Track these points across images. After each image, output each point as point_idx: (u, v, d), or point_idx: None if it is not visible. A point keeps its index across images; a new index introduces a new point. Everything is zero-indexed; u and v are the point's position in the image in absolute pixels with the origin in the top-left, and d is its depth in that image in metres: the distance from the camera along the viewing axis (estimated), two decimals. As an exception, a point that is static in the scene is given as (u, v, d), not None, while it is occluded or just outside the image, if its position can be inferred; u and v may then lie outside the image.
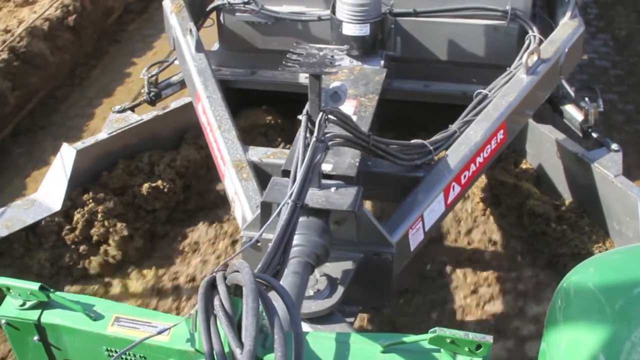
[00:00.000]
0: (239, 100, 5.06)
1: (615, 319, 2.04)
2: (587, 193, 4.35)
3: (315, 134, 2.90)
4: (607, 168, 4.20)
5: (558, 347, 2.15)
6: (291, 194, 2.71)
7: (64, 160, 4.47)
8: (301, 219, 2.92)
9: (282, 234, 2.56)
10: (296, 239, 2.83)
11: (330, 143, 3.03)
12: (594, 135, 4.52)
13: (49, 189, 4.47)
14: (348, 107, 3.79)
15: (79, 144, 4.53)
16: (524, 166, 4.85)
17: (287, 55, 3.03)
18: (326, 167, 3.24)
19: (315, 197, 3.03)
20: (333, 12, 4.44)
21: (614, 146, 4.33)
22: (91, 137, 4.71)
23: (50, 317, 2.40)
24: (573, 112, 4.69)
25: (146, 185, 4.67)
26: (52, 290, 2.39)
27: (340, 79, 4.13)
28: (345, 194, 3.06)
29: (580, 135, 4.61)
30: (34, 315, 2.40)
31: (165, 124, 4.97)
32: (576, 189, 4.50)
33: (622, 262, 2.35)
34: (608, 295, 2.12)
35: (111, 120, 4.80)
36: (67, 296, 2.42)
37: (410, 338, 2.13)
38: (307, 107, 3.01)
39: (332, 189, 3.09)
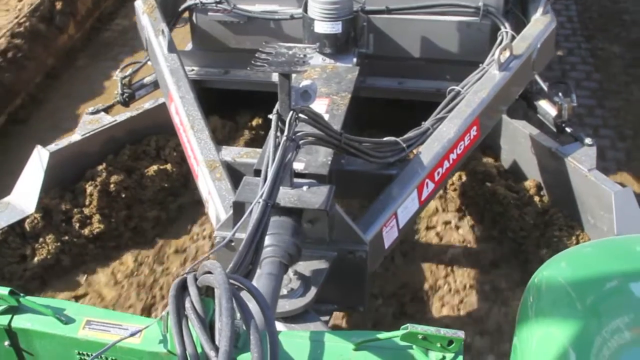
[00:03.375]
0: (214, 100, 5.05)
1: (586, 314, 2.03)
2: (561, 187, 4.36)
3: (285, 133, 2.89)
4: (581, 162, 4.21)
5: (529, 342, 2.14)
6: (262, 193, 2.70)
7: (37, 163, 4.43)
8: (273, 218, 2.92)
9: (253, 234, 2.55)
10: (269, 239, 2.83)
11: (301, 142, 3.02)
12: (568, 130, 4.53)
13: (22, 192, 4.44)
14: (320, 106, 3.78)
15: (52, 146, 4.49)
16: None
17: (256, 55, 3.02)
18: (298, 166, 3.24)
19: (287, 196, 3.02)
20: (305, 10, 4.43)
21: (588, 140, 4.34)
22: (64, 139, 4.67)
23: (20, 321, 2.37)
24: (547, 107, 4.69)
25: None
26: (22, 294, 2.37)
27: (312, 77, 4.13)
28: (317, 193, 3.06)
29: (554, 130, 4.63)
30: (4, 320, 2.37)
31: (140, 124, 4.95)
32: (551, 183, 4.51)
33: (593, 256, 2.34)
34: (579, 290, 2.11)
35: (84, 122, 4.75)
36: (37, 300, 2.40)
37: (382, 335, 2.13)
38: (277, 106, 3.00)
39: (304, 188, 3.08)
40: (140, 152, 4.91)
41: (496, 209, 4.50)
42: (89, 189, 4.57)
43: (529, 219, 4.36)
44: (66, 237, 4.46)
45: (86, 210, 4.54)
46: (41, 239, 4.40)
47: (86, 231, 4.52)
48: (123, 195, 4.66)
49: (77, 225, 4.49)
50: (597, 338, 1.95)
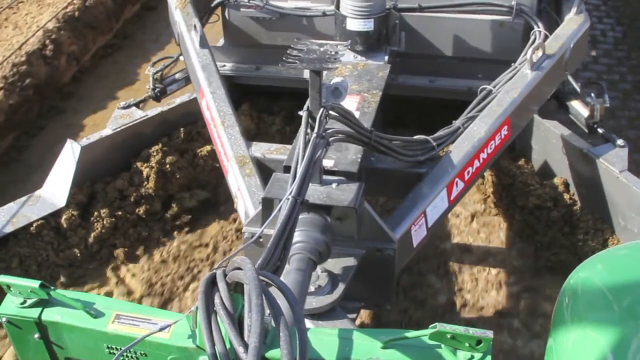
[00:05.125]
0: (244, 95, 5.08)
1: (623, 317, 2.03)
2: (592, 189, 4.33)
3: (315, 130, 2.89)
4: (612, 164, 4.18)
5: (565, 344, 2.14)
6: (291, 190, 2.70)
7: (68, 157, 4.46)
8: (303, 215, 2.92)
9: (282, 230, 2.55)
10: (298, 235, 2.83)
11: (331, 139, 3.02)
12: (600, 130, 4.50)
13: (53, 186, 4.47)
14: (351, 103, 3.79)
15: (84, 140, 4.53)
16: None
17: (288, 51, 3.02)
18: (328, 163, 3.24)
19: (316, 193, 3.02)
20: (337, 7, 4.43)
21: (620, 142, 4.30)
22: (96, 133, 4.70)
23: (50, 314, 2.40)
24: (579, 108, 4.67)
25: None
26: (52, 287, 2.40)
27: (343, 74, 4.13)
28: (347, 190, 3.06)
29: (586, 131, 4.59)
30: (34, 313, 2.41)
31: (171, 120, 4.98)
32: (581, 185, 4.47)
33: (629, 258, 2.32)
34: (616, 292, 2.10)
35: (116, 117, 4.79)
36: (67, 294, 2.43)
37: (411, 333, 2.13)
38: (307, 103, 3.00)
39: (334, 185, 3.08)
40: (195, 134, 4.99)
41: None
42: (145, 170, 4.71)
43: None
44: (119, 213, 4.60)
45: (141, 189, 4.69)
46: (96, 213, 4.53)
47: (141, 210, 4.66)
48: (177, 176, 4.79)
49: (131, 202, 4.66)
50: (635, 340, 1.95)
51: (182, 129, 4.94)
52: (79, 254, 4.43)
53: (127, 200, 4.66)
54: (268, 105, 5.42)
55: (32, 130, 5.92)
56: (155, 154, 4.78)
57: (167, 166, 4.75)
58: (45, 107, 6.18)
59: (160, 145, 4.82)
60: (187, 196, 4.84)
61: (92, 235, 4.48)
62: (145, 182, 4.70)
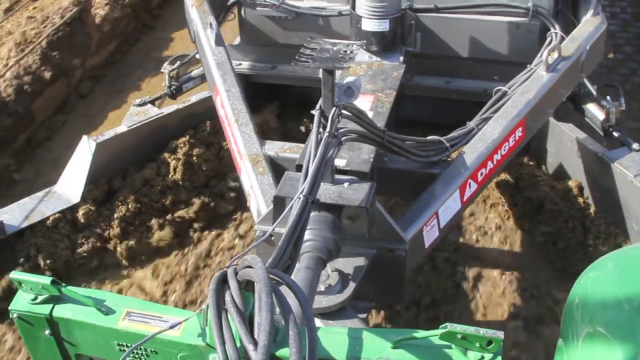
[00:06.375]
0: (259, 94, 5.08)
1: (634, 316, 2.02)
2: (606, 193, 4.31)
3: (327, 129, 2.89)
4: (627, 168, 4.15)
5: (575, 344, 2.13)
6: (303, 189, 2.70)
7: (84, 152, 4.49)
8: (313, 214, 2.92)
9: (293, 229, 2.55)
10: (308, 234, 2.83)
11: (343, 138, 3.01)
12: (615, 134, 4.47)
13: (68, 181, 4.50)
14: (365, 103, 3.78)
15: (99, 137, 4.54)
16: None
17: (301, 50, 3.02)
18: (340, 163, 3.23)
19: (327, 192, 3.02)
20: (353, 7, 4.43)
21: (635, 146, 4.28)
22: (111, 130, 4.72)
23: (61, 311, 2.41)
24: (594, 111, 4.65)
25: None
26: (63, 284, 2.41)
27: (358, 74, 4.13)
28: (358, 190, 3.05)
29: (602, 134, 4.57)
30: (45, 309, 2.42)
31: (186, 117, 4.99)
32: (596, 188, 4.46)
33: (640, 258, 2.32)
34: (626, 292, 2.09)
35: (131, 114, 4.81)
36: (78, 290, 2.44)
37: (421, 333, 2.13)
38: (320, 102, 3.00)
39: (345, 185, 3.08)
40: (220, 127, 4.96)
41: None
42: (172, 162, 4.75)
43: None
44: (145, 199, 4.65)
45: (168, 180, 4.75)
46: (121, 197, 4.59)
47: (167, 201, 4.71)
48: (204, 168, 4.84)
49: (157, 190, 4.71)
50: (646, 340, 1.94)
51: (207, 122, 4.97)
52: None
53: (153, 189, 4.71)
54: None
55: (130, 40, 7.27)
56: (182, 145, 4.82)
57: (194, 158, 4.80)
58: (139, 24, 7.52)
59: (187, 137, 4.86)
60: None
61: (115, 217, 4.54)
62: (172, 173, 4.75)
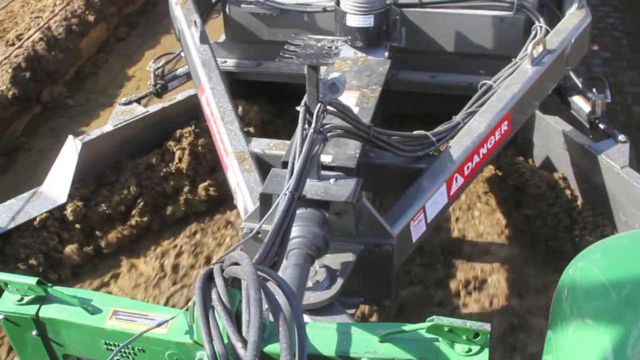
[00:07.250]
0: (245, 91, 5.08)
1: (622, 306, 2.02)
2: (593, 185, 4.32)
3: (312, 125, 2.89)
4: (613, 160, 4.16)
5: (564, 334, 2.13)
6: (289, 185, 2.70)
7: (70, 153, 4.46)
8: (300, 210, 2.93)
9: (279, 226, 2.55)
10: (295, 231, 2.83)
11: (328, 134, 3.01)
12: (601, 126, 4.48)
13: (54, 182, 4.47)
14: (350, 98, 3.78)
15: (85, 137, 4.52)
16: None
17: (285, 47, 3.01)
18: (326, 159, 3.23)
19: (314, 188, 3.02)
20: (337, 3, 4.42)
21: (621, 137, 4.29)
22: (97, 129, 4.70)
23: (48, 311, 2.41)
24: (580, 103, 4.66)
25: None
26: (49, 284, 2.40)
27: (343, 70, 4.13)
28: (344, 186, 3.05)
29: (588, 126, 4.58)
30: (32, 310, 2.41)
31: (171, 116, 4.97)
32: (583, 180, 4.47)
33: (628, 247, 2.30)
34: (614, 282, 2.09)
35: (117, 113, 4.78)
36: (64, 290, 2.43)
37: (408, 327, 2.14)
38: (305, 98, 3.00)
39: (332, 181, 3.08)
40: None
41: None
42: (177, 151, 4.80)
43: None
44: (147, 181, 4.72)
45: (172, 167, 4.79)
46: (123, 180, 4.66)
47: (169, 188, 4.75)
48: (207, 157, 4.87)
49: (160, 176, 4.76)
50: (634, 330, 1.94)
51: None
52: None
53: (156, 174, 4.76)
54: None
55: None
56: (187, 135, 4.85)
57: (199, 147, 4.83)
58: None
59: (192, 126, 4.90)
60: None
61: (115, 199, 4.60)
62: (177, 162, 4.78)
